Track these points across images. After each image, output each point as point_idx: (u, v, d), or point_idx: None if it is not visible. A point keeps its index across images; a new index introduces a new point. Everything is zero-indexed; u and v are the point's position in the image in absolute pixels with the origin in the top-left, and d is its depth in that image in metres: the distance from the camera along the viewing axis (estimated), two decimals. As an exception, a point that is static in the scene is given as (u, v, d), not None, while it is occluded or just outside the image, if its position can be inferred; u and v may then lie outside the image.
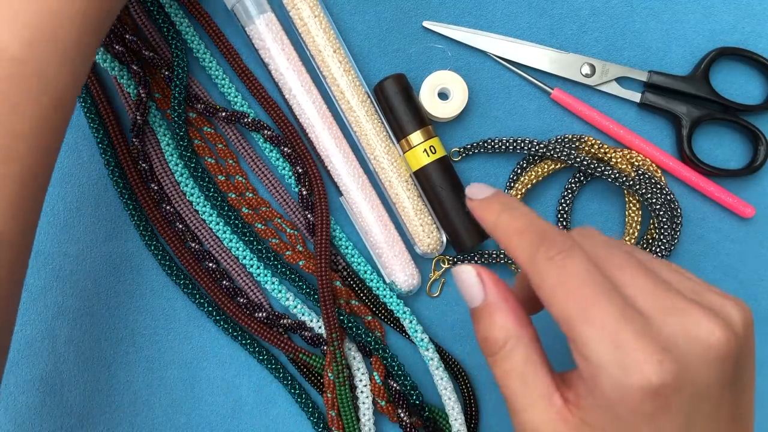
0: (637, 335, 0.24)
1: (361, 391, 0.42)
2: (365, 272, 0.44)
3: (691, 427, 0.24)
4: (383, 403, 0.42)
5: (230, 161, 0.44)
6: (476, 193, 0.31)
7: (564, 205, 0.44)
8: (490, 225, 0.29)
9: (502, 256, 0.43)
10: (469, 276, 0.28)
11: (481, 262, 0.43)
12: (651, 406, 0.24)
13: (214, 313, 0.43)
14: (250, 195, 0.44)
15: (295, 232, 0.44)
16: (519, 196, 0.44)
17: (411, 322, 0.43)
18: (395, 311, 0.43)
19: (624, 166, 0.44)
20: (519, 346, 0.27)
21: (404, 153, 0.43)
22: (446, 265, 0.44)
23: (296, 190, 0.44)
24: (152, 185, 0.44)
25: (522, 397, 0.27)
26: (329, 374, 0.41)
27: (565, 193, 0.44)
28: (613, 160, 0.44)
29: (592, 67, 0.45)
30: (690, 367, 0.24)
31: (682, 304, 0.25)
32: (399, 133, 0.43)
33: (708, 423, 0.25)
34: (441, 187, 0.42)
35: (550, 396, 0.26)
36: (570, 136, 0.45)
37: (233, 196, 0.44)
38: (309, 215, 0.43)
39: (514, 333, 0.27)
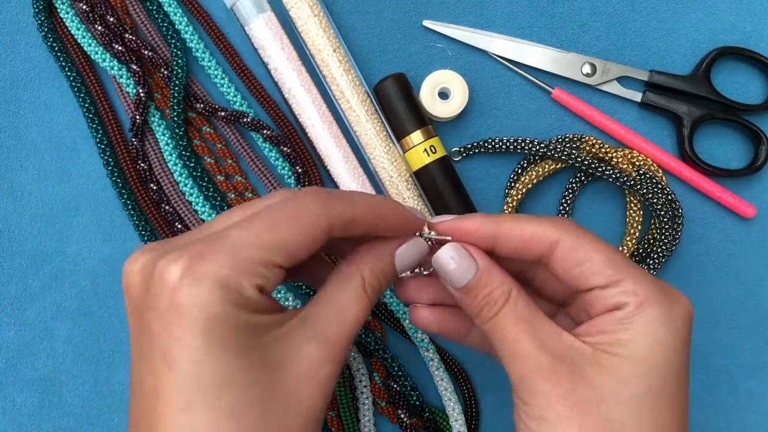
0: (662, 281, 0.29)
1: (361, 392, 0.42)
2: (365, 272, 0.43)
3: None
4: (383, 403, 0.42)
5: (230, 161, 0.44)
6: (438, 218, 0.31)
7: (565, 205, 0.44)
8: (491, 229, 0.30)
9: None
10: (458, 252, 0.30)
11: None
12: (686, 335, 0.27)
13: (214, 314, 0.42)
14: (250, 195, 0.44)
15: (295, 232, 0.43)
16: (520, 196, 0.44)
17: (411, 322, 0.43)
18: (395, 311, 0.43)
19: (625, 166, 0.44)
20: (521, 295, 0.29)
21: (404, 153, 0.43)
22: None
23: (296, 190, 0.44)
24: (151, 185, 0.43)
25: (530, 340, 0.28)
26: (329, 375, 0.41)
27: (566, 193, 0.44)
28: (614, 159, 0.44)
29: (593, 67, 0.45)
30: None
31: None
32: (399, 132, 0.43)
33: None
34: (441, 186, 0.42)
35: (560, 333, 0.28)
36: (571, 136, 0.44)
37: (233, 196, 0.44)
38: (309, 215, 0.43)
39: (515, 285, 0.29)
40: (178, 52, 0.44)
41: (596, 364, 0.27)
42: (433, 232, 0.31)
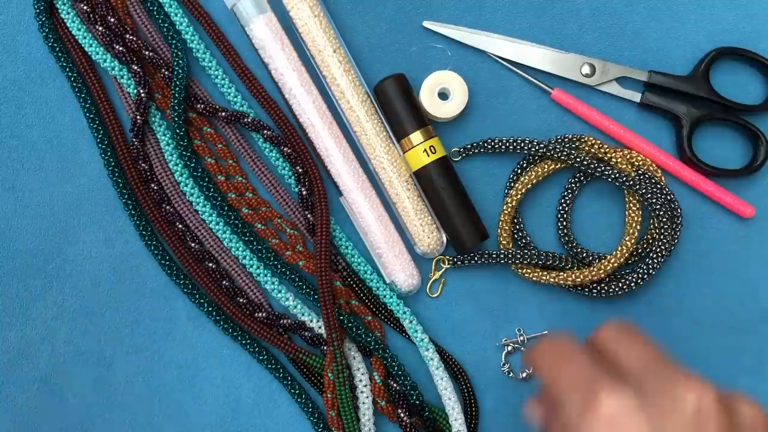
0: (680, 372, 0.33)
1: (361, 391, 0.42)
2: (365, 272, 0.44)
3: None
4: (383, 403, 0.42)
5: (230, 161, 0.44)
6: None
7: (564, 205, 0.44)
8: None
9: (501, 255, 0.43)
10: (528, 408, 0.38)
11: (481, 262, 0.43)
12: (716, 414, 0.30)
13: (214, 314, 0.43)
14: (250, 195, 0.44)
15: (295, 232, 0.44)
16: (519, 196, 0.44)
17: (411, 322, 0.43)
18: (395, 311, 0.43)
19: (624, 166, 0.44)
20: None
21: (404, 153, 0.43)
22: (446, 265, 0.44)
23: (296, 190, 0.44)
24: (152, 185, 0.44)
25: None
26: (329, 374, 0.41)
27: (565, 193, 0.44)
28: (613, 160, 0.44)
29: (592, 67, 0.45)
30: None
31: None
32: (399, 132, 0.43)
33: None
34: (441, 186, 0.42)
35: None
36: (570, 136, 0.45)
37: (233, 196, 0.44)
38: (309, 215, 0.43)
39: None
40: (179, 53, 0.44)
41: None
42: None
